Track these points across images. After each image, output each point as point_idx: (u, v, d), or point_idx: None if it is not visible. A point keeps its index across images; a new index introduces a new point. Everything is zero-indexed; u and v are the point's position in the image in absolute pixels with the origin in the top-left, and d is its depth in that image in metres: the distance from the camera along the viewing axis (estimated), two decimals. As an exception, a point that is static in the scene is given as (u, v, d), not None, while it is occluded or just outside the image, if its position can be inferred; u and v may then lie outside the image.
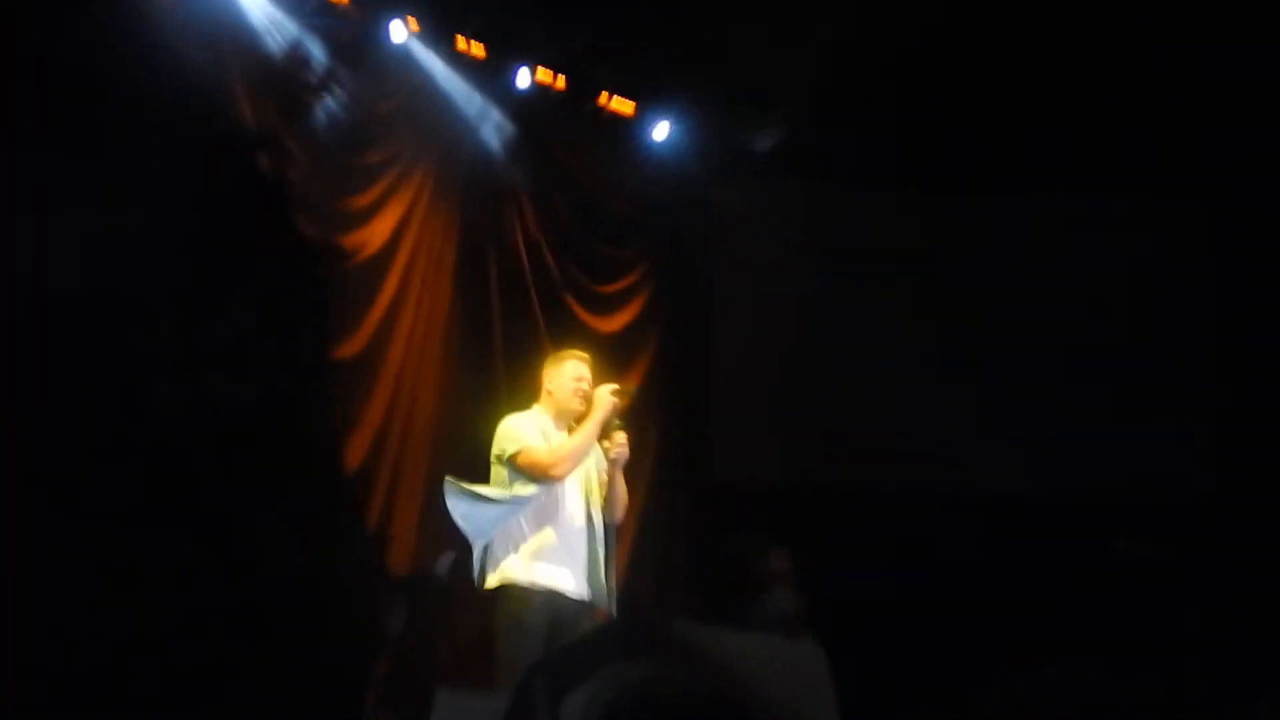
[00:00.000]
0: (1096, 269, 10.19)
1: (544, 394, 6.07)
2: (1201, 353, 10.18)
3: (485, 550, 5.81)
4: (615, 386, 6.03)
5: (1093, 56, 8.98)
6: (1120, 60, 8.96)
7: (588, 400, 5.94)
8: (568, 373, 6.06)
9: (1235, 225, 10.21)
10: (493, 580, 5.76)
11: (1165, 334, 10.16)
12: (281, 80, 8.19)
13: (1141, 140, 9.49)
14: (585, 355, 6.20)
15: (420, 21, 8.62)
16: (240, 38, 7.93)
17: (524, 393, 6.37)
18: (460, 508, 5.75)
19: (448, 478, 5.83)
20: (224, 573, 6.56)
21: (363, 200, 8.62)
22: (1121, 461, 9.83)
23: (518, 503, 5.75)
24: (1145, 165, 9.75)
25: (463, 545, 6.02)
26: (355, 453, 8.36)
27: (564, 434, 5.93)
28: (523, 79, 9.11)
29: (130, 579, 6.18)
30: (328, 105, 8.45)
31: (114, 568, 6.11)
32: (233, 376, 6.91)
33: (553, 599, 5.71)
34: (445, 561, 7.48)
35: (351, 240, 8.53)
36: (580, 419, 5.93)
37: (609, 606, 5.84)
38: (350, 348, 8.47)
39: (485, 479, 5.90)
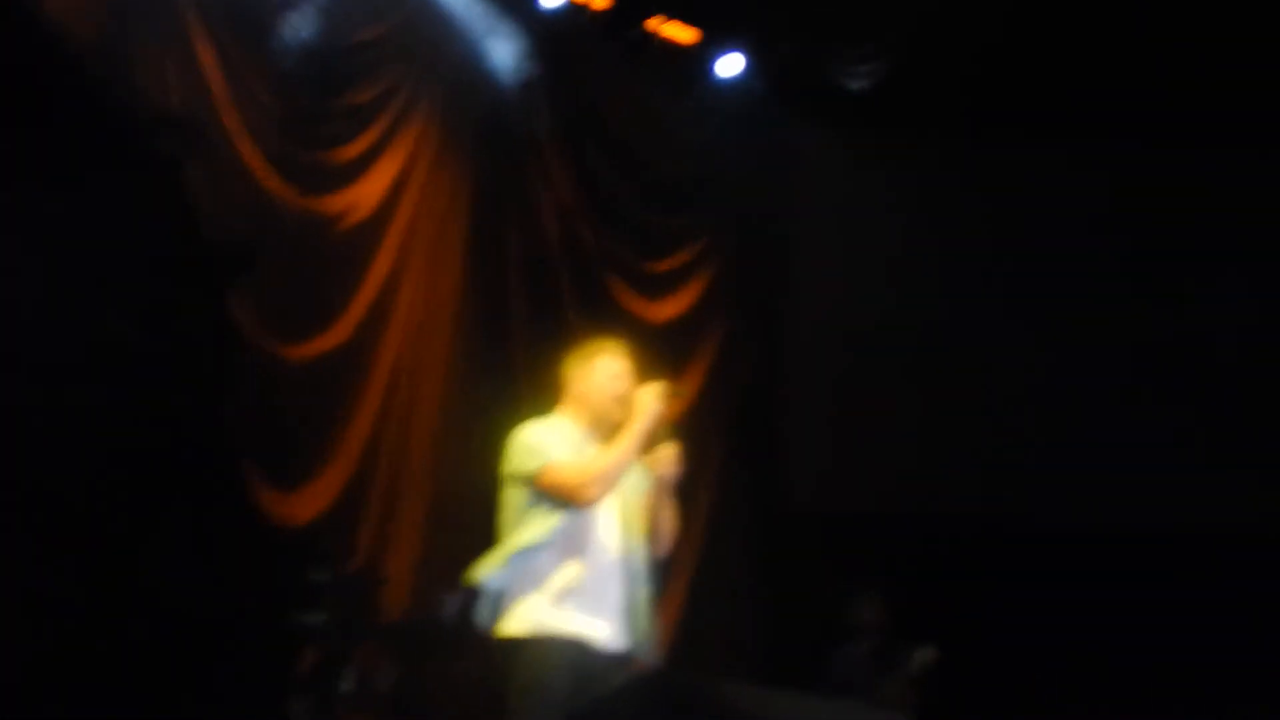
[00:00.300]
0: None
1: (571, 397, 5.52)
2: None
3: (501, 590, 5.36)
4: (662, 387, 5.41)
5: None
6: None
7: (627, 404, 5.37)
8: (601, 370, 5.50)
9: None
10: (510, 626, 5.28)
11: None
12: None
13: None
14: (623, 348, 5.63)
15: None
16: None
17: (549, 396, 5.78)
18: (488, 579, 5.42)
19: (470, 569, 5.51)
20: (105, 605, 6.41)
21: (349, 152, 8.25)
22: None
23: (539, 550, 5.34)
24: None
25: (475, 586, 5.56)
26: (339, 469, 8.12)
27: (596, 446, 5.40)
28: None
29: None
30: (298, 28, 7.99)
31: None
32: (112, 382, 6.68)
33: (581, 650, 5.23)
34: (453, 603, 7.29)
35: (335, 203, 8.21)
36: (618, 428, 5.35)
37: (651, 659, 5.50)
38: (333, 338, 8.16)
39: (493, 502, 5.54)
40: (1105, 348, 9.73)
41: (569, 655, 5.22)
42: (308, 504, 7.89)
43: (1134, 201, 9.82)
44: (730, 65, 9.30)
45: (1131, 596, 9.01)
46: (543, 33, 8.78)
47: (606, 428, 5.37)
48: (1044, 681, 8.77)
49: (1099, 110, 9.53)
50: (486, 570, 5.35)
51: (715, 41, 9.30)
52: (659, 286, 9.44)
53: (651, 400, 5.29)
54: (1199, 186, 9.75)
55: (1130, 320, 9.69)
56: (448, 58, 8.64)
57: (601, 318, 8.45)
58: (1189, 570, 8.95)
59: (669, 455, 5.36)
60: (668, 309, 9.39)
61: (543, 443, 5.32)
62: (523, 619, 5.25)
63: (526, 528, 5.28)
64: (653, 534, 5.46)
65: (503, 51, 8.76)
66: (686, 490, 5.72)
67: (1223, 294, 9.63)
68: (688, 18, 9.18)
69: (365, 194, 8.23)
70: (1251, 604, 8.85)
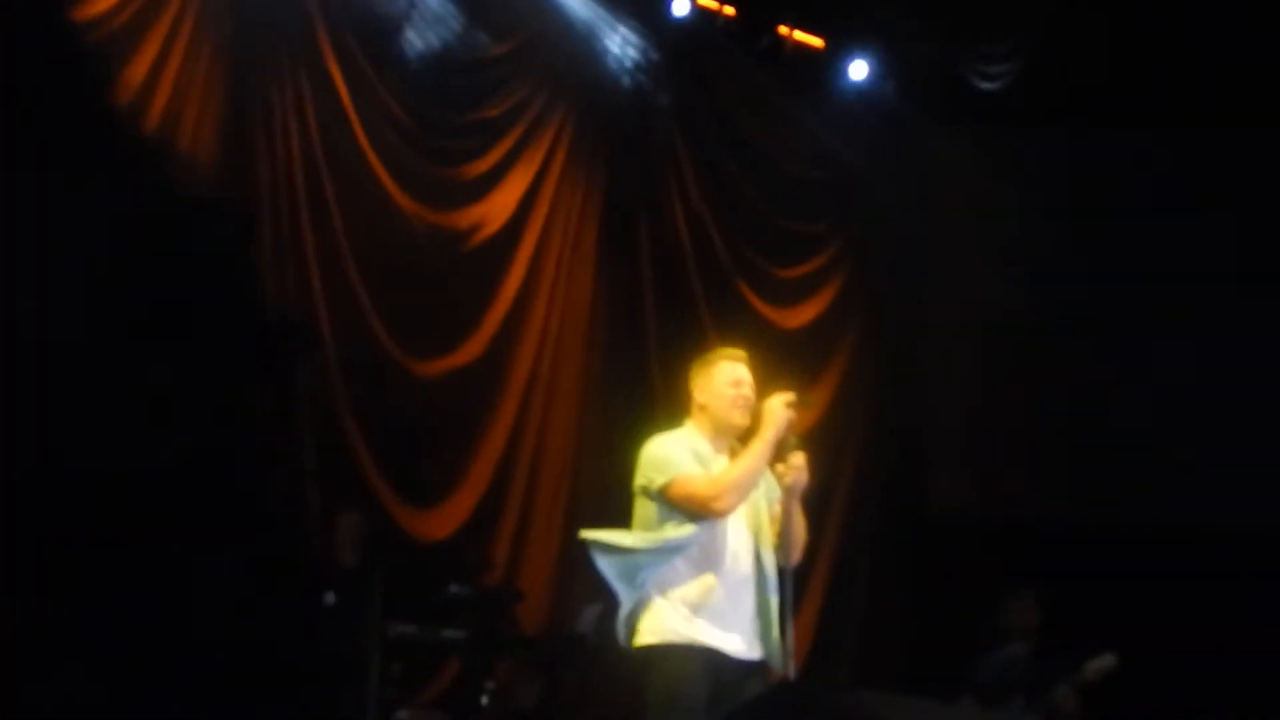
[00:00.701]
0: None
1: (695, 407, 5.45)
2: None
3: (636, 602, 5.33)
4: (791, 395, 5.31)
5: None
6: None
7: (751, 411, 5.29)
8: (721, 377, 5.41)
9: None
10: (645, 638, 5.22)
11: None
12: (368, 11, 7.97)
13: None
14: (742, 353, 5.56)
15: None
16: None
17: (678, 409, 5.77)
18: (603, 562, 5.40)
19: (582, 532, 5.42)
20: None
21: (479, 167, 8.37)
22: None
23: (672, 547, 5.28)
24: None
25: (609, 596, 5.54)
26: (475, 484, 8.23)
27: (725, 457, 5.35)
28: (681, 5, 8.72)
29: (58, 649, 6.05)
30: (428, 44, 8.13)
31: (41, 637, 5.99)
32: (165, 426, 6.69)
33: (716, 660, 5.19)
34: (590, 616, 7.39)
35: (466, 218, 8.32)
36: (745, 436, 5.30)
37: (785, 669, 5.35)
38: (466, 354, 8.27)
39: (630, 515, 5.51)
40: (1251, 342, 9.47)
41: (705, 665, 5.18)
42: (445, 520, 7.99)
43: (1258, 193, 9.55)
44: (859, 70, 9.25)
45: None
46: (672, 41, 8.78)
47: (730, 435, 5.33)
48: (1202, 690, 8.47)
49: (1231, 100, 9.26)
50: (624, 573, 5.35)
51: (843, 47, 9.24)
52: (791, 293, 9.37)
53: (781, 408, 5.20)
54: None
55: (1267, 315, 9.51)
56: (577, 70, 8.66)
57: (734, 325, 8.38)
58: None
59: (799, 464, 5.26)
60: (800, 315, 9.31)
61: (671, 455, 5.29)
62: (658, 631, 5.22)
63: (659, 535, 5.27)
64: (783, 544, 5.37)
65: (632, 61, 8.80)
66: (820, 499, 5.80)
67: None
68: (815, 24, 9.14)
69: (496, 208, 8.28)
70: None
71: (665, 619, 5.23)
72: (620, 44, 8.74)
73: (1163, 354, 9.44)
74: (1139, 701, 8.10)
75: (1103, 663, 7.83)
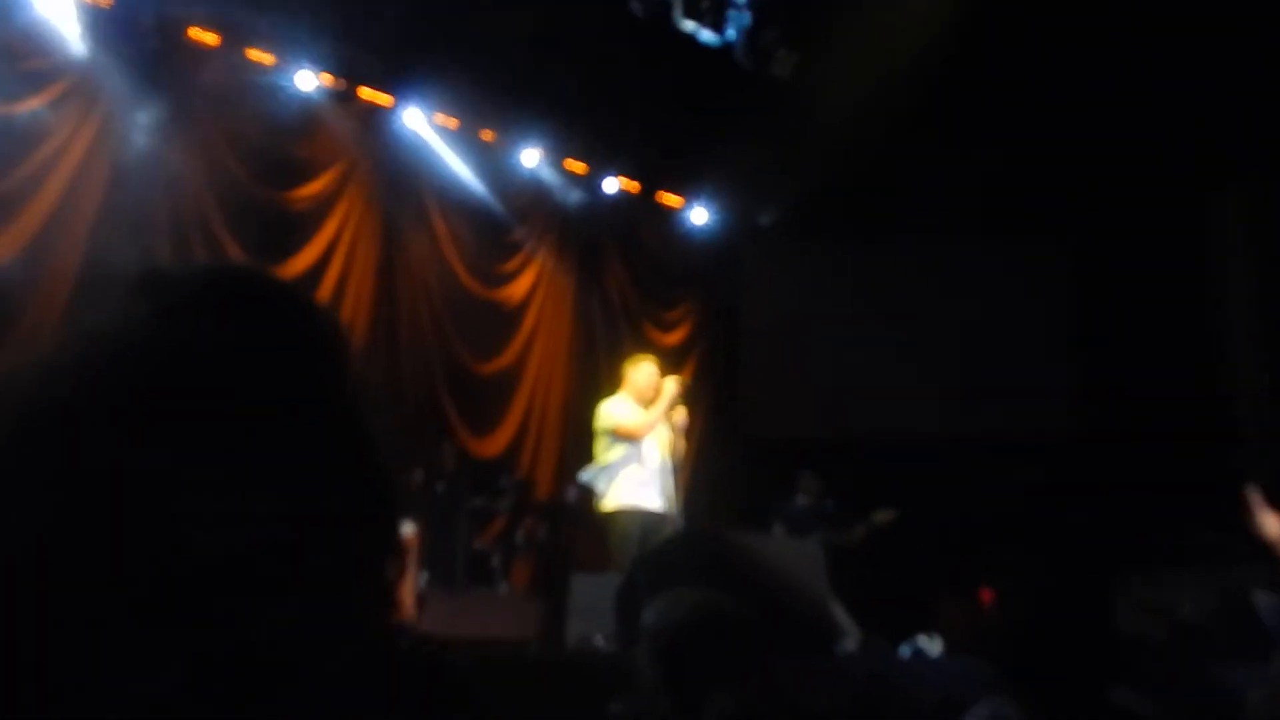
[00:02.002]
0: (989, 285, 9.26)
1: (627, 385, 5.73)
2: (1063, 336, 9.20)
3: (606, 482, 5.56)
4: (676, 379, 5.74)
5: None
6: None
7: (658, 389, 5.63)
8: (644, 371, 5.75)
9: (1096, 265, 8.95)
10: (608, 505, 5.51)
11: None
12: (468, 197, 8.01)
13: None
14: (651, 358, 5.92)
15: (545, 150, 8.24)
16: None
17: (616, 386, 6.00)
18: (589, 474, 5.62)
19: (579, 475, 5.72)
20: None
21: (511, 265, 8.44)
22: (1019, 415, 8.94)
23: (621, 459, 5.50)
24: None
25: (581, 481, 5.82)
26: (511, 425, 8.16)
27: (642, 410, 5.63)
28: (611, 184, 8.74)
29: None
30: (486, 203, 8.19)
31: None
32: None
33: (644, 514, 5.45)
34: (572, 492, 7.13)
35: (502, 293, 8.36)
36: (653, 401, 5.60)
37: (678, 517, 5.59)
38: (503, 361, 8.28)
39: (592, 444, 5.67)
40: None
41: (639, 518, 5.42)
42: (495, 445, 8.00)
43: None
44: (700, 215, 9.24)
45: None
46: (609, 204, 8.74)
47: (644, 401, 5.58)
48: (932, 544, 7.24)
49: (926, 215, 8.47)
50: (591, 472, 5.60)
51: (691, 202, 9.20)
52: (670, 327, 9.25)
53: (672, 386, 5.56)
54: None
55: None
56: (561, 215, 8.59)
57: (644, 344, 8.34)
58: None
59: (680, 414, 5.60)
60: (674, 338, 9.20)
61: (615, 411, 5.58)
62: (615, 500, 5.47)
63: (610, 453, 5.50)
64: (674, 453, 5.63)
65: (588, 214, 8.69)
66: (688, 430, 5.83)
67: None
68: (678, 192, 9.13)
69: (518, 288, 8.36)
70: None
71: (618, 494, 5.47)
72: (582, 206, 8.64)
73: (882, 356, 8.90)
74: (894, 544, 7.42)
75: (885, 515, 7.49)
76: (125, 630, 0.56)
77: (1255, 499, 3.16)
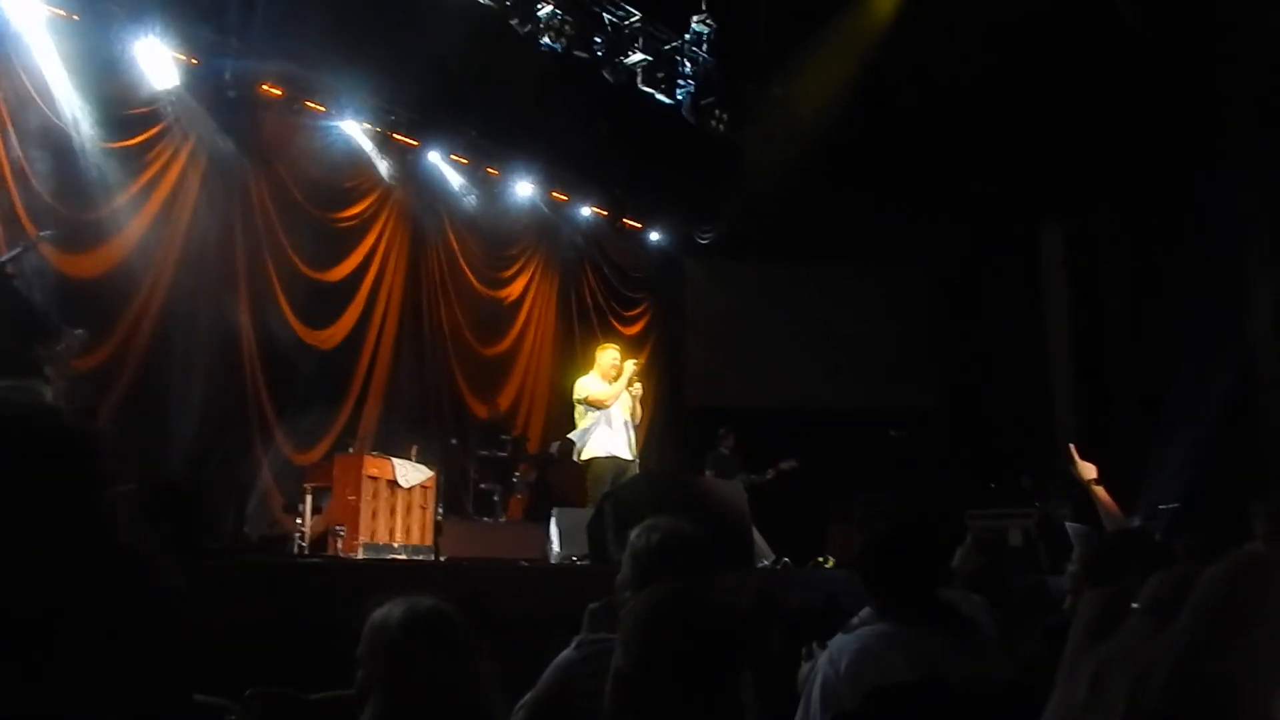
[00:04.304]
0: (869, 295, 9.25)
1: (596, 365, 5.60)
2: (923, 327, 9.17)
3: (583, 440, 5.43)
4: (635, 360, 5.65)
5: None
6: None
7: (620, 369, 5.52)
8: (610, 355, 5.61)
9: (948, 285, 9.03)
10: (585, 454, 5.41)
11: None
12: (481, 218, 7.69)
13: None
14: (615, 345, 5.85)
15: (536, 183, 7.97)
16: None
17: (589, 366, 5.84)
18: (574, 435, 5.49)
19: (568, 437, 5.57)
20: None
21: (507, 272, 8.15)
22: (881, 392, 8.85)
23: (595, 421, 5.39)
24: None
25: (567, 439, 5.72)
26: (509, 393, 7.89)
27: (608, 384, 5.49)
28: (586, 211, 8.53)
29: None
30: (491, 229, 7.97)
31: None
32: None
33: (614, 461, 5.33)
34: (557, 445, 6.96)
35: (504, 293, 8.08)
36: (617, 378, 5.48)
37: (636, 463, 5.52)
38: (504, 345, 8.01)
39: (571, 409, 5.57)
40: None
41: (610, 463, 5.33)
42: (497, 406, 7.74)
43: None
44: (654, 235, 9.07)
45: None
46: (584, 229, 8.49)
47: (611, 378, 5.45)
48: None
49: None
50: (576, 434, 5.49)
51: (649, 226, 9.00)
52: (630, 322, 8.96)
53: (631, 366, 5.48)
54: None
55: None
56: (547, 235, 8.34)
57: (610, 334, 8.19)
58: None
59: (638, 387, 5.52)
60: (633, 330, 8.91)
61: (587, 385, 5.47)
62: (591, 450, 5.39)
63: (585, 418, 5.42)
64: (633, 416, 5.51)
65: (568, 233, 8.45)
66: (643, 399, 5.69)
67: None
68: (636, 219, 8.89)
69: (514, 289, 8.09)
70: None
71: (594, 444, 5.37)
72: (563, 226, 8.41)
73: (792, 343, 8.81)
74: (796, 486, 7.49)
75: (789, 464, 7.53)
76: None
77: (1073, 451, 3.15)
